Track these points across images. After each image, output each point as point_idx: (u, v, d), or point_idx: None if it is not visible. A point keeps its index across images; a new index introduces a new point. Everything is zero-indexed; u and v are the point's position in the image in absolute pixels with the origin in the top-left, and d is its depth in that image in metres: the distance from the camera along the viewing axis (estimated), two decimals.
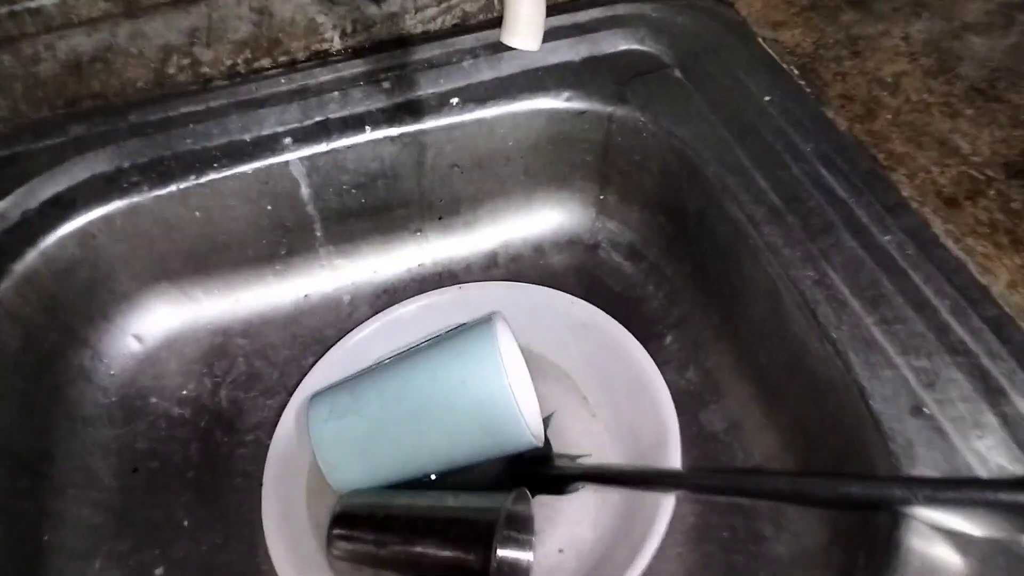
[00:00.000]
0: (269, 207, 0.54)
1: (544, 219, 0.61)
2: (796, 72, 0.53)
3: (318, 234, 0.57)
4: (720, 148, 0.49)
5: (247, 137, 0.53)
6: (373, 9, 0.59)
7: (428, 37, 0.57)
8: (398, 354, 0.50)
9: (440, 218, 0.60)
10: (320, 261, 0.59)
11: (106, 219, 0.50)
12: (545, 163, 0.58)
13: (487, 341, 0.45)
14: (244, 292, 0.58)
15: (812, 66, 0.53)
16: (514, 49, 0.39)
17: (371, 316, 0.55)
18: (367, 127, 0.53)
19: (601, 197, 0.59)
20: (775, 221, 0.45)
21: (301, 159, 0.53)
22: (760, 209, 0.46)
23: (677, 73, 0.54)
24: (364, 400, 0.47)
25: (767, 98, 0.51)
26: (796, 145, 0.48)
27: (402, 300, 0.55)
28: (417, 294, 0.55)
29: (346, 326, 0.56)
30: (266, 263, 0.57)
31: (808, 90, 0.52)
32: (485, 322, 0.47)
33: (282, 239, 0.57)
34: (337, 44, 0.57)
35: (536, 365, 0.51)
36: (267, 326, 0.58)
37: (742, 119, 0.50)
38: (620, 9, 0.59)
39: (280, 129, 0.53)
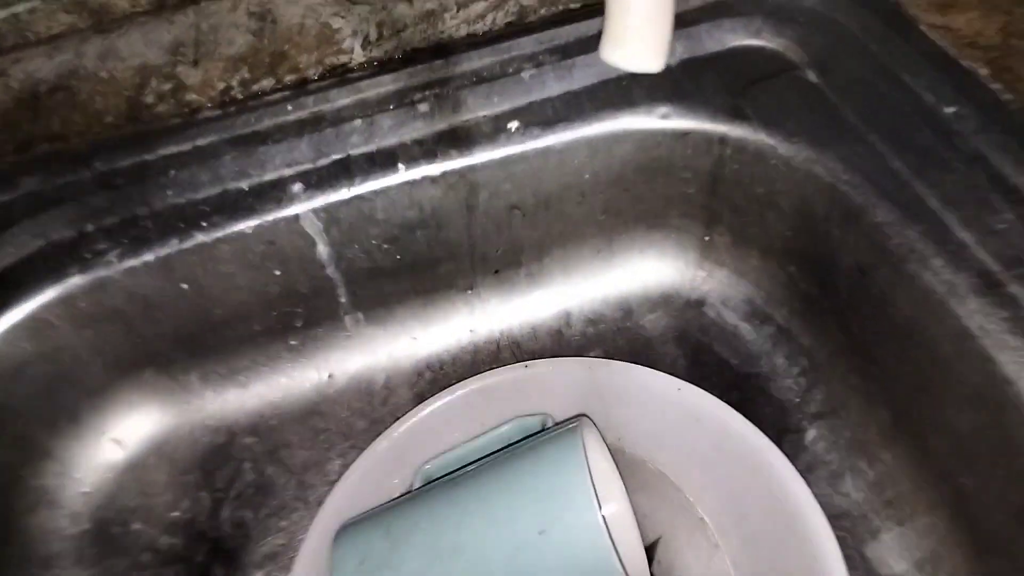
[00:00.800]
0: (277, 272, 0.42)
1: (630, 268, 0.48)
2: (984, 72, 0.38)
3: (342, 300, 0.45)
4: (890, 182, 0.35)
5: (245, 185, 0.40)
6: (403, 7, 0.46)
7: (476, 42, 0.44)
8: (449, 478, 0.37)
9: (496, 272, 0.47)
10: (346, 332, 0.46)
11: (64, 301, 0.38)
12: (631, 198, 0.45)
13: (574, 476, 0.32)
14: (251, 376, 0.45)
15: (1005, 63, 0.38)
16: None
17: (412, 401, 0.45)
18: (400, 165, 0.41)
19: (706, 239, 0.46)
20: (990, 293, 0.31)
21: (315, 210, 0.40)
22: (964, 275, 0.32)
23: (812, 76, 0.40)
24: (406, 549, 0.34)
25: (949, 110, 0.37)
26: (1006, 180, 0.34)
27: (451, 380, 0.43)
28: (468, 370, 0.45)
29: (380, 416, 0.46)
30: (279, 339, 0.45)
31: (1006, 96, 0.37)
32: (568, 438, 0.34)
33: (297, 308, 0.44)
34: (359, 56, 0.44)
35: (632, 473, 0.39)
36: (281, 419, 0.45)
37: (917, 141, 0.36)
38: None
39: (287, 172, 0.40)
